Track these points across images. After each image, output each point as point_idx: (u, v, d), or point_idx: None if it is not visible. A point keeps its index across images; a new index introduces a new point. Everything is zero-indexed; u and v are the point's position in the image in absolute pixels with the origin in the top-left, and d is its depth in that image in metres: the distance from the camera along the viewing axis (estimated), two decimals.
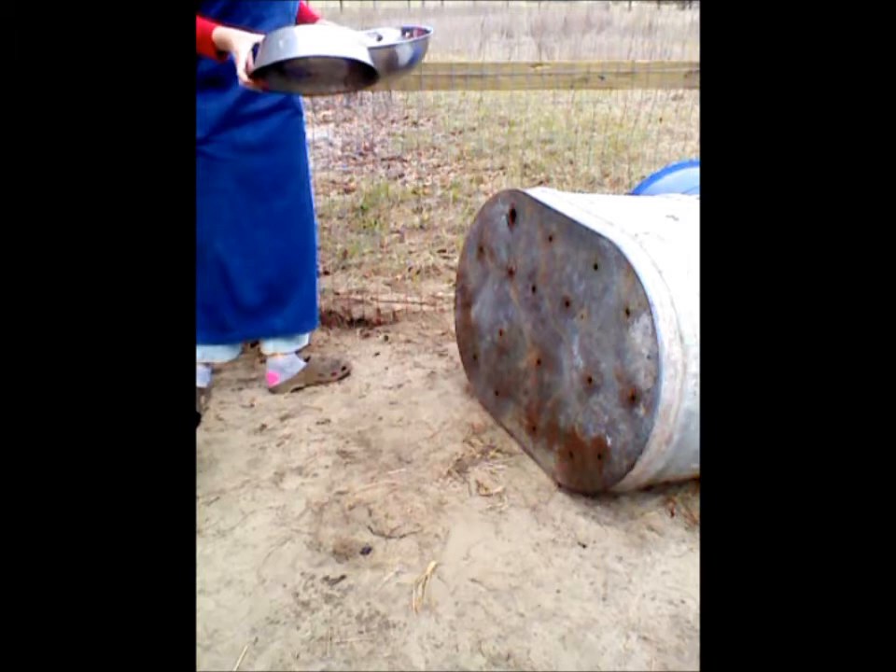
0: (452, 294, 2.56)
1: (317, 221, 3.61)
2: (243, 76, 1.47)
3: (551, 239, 1.66)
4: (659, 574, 1.47)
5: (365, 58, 1.47)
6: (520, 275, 1.79)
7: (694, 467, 1.56)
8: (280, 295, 2.02)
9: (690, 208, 1.75)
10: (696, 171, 2.21)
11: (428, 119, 6.39)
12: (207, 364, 2.09)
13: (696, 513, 1.64)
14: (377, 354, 2.44)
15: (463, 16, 15.71)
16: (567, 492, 1.71)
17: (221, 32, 1.52)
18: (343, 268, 3.11)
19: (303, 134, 1.97)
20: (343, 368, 2.25)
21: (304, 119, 1.96)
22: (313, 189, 2.03)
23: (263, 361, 2.25)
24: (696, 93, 3.10)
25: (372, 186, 4.19)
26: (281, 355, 2.16)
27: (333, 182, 4.34)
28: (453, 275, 2.88)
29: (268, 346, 2.15)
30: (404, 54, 1.62)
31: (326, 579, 1.45)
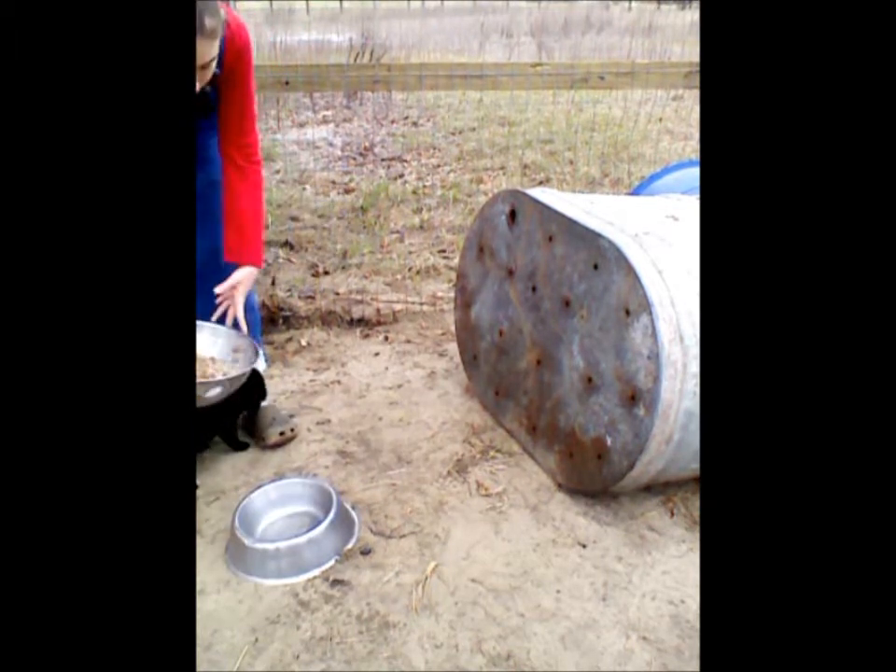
0: (452, 294, 2.56)
1: (317, 221, 3.64)
2: None
3: (551, 239, 1.66)
4: (659, 574, 1.47)
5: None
6: (520, 275, 1.79)
7: (694, 467, 1.56)
8: None
9: (690, 208, 1.75)
10: (696, 171, 2.22)
11: (428, 119, 6.39)
12: None
13: (696, 513, 1.64)
14: (377, 354, 2.44)
15: (463, 16, 15.70)
16: (567, 492, 1.71)
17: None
18: (343, 268, 3.11)
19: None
20: (289, 431, 1.92)
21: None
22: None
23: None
24: (696, 93, 3.10)
25: (372, 186, 4.19)
26: None
27: (333, 182, 4.34)
28: (453, 275, 2.88)
29: None
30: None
31: (326, 579, 1.45)
